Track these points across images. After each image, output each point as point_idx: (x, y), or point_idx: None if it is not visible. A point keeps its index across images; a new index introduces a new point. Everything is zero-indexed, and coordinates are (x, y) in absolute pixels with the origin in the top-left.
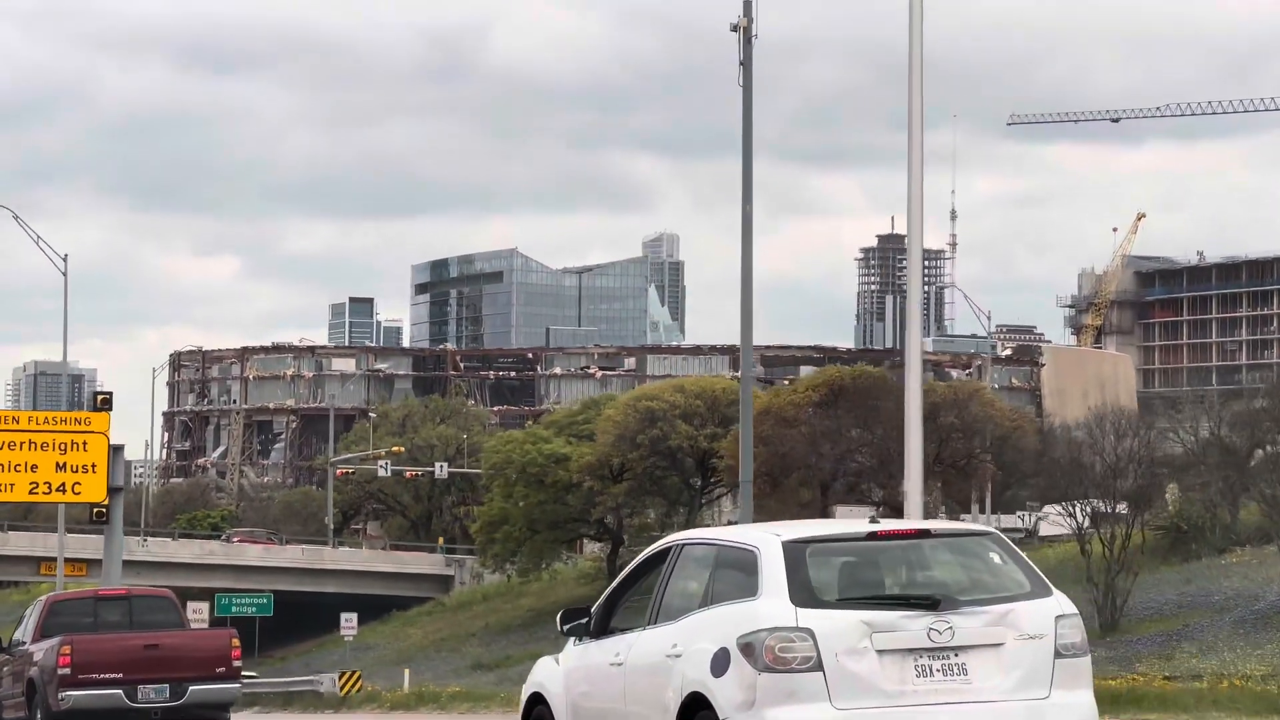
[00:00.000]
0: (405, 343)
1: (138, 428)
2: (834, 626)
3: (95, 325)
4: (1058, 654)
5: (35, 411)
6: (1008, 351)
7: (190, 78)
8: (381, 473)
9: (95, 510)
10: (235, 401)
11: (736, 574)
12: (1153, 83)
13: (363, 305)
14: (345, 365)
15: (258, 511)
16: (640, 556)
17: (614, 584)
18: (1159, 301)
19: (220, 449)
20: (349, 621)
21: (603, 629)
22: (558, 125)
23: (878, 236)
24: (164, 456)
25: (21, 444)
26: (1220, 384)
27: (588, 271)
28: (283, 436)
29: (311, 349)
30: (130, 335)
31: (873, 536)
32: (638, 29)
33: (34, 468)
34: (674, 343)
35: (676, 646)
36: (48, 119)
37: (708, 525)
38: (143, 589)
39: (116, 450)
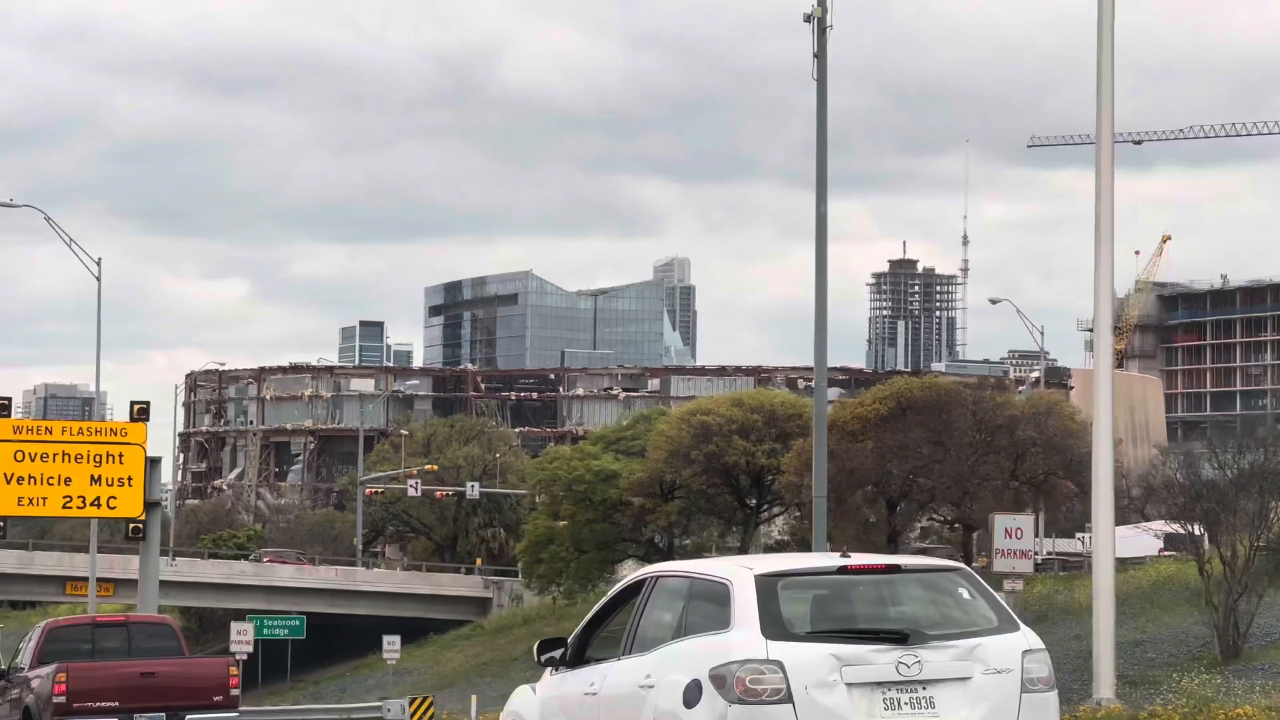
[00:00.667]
0: (417, 365)
1: (152, 448)
2: (804, 659)
3: (105, 349)
4: (1024, 688)
5: (69, 421)
6: (1036, 374)
7: (200, 101)
8: (411, 492)
9: (131, 526)
10: (252, 422)
11: (709, 606)
12: (1164, 110)
13: (373, 329)
14: (364, 385)
15: (283, 532)
16: (616, 588)
17: (590, 615)
18: (1182, 325)
19: (237, 470)
20: (392, 644)
21: (578, 659)
22: (568, 150)
23: (889, 262)
24: (179, 478)
25: (54, 456)
26: (1244, 409)
27: (603, 294)
28: (300, 458)
29: (330, 369)
30: (139, 358)
31: (844, 571)
32: (648, 54)
33: (67, 481)
34: (699, 364)
35: (650, 677)
36: (58, 142)
37: (765, 545)
38: (142, 616)
39: (154, 463)
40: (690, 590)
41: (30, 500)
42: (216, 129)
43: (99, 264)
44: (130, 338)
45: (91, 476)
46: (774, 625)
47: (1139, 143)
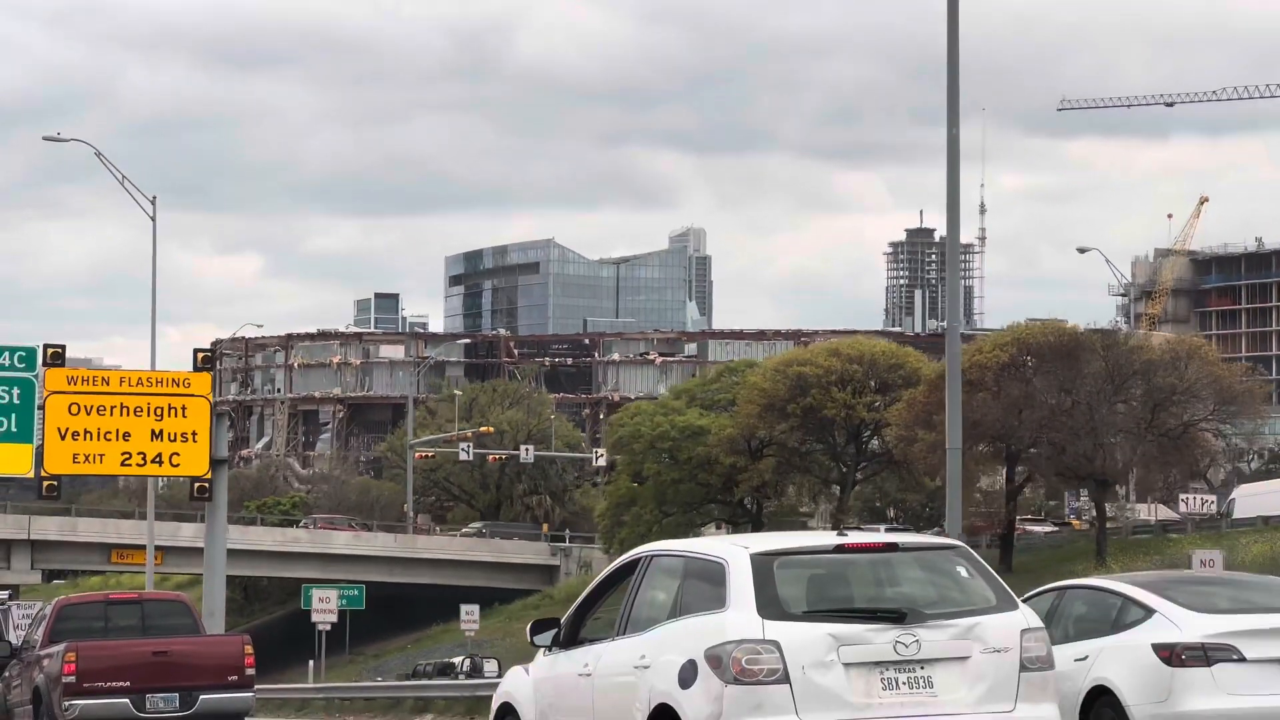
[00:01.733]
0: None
1: None
2: (801, 639)
3: (117, 324)
4: (1023, 667)
5: (128, 371)
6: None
7: (214, 76)
8: (463, 456)
9: (197, 485)
10: (280, 390)
11: (704, 586)
12: (1180, 79)
13: (388, 301)
14: (394, 352)
15: (328, 498)
16: (610, 567)
17: (583, 594)
18: (1216, 289)
19: (265, 439)
20: (470, 614)
21: (572, 639)
22: (582, 122)
23: (906, 231)
24: None
25: (112, 409)
26: None
27: (625, 262)
28: (329, 426)
29: (359, 335)
30: (147, 333)
31: (840, 550)
32: (662, 26)
33: (126, 436)
34: (738, 327)
35: (644, 658)
36: (72, 118)
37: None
38: (156, 594)
39: (220, 417)
40: (685, 569)
41: (86, 457)
42: (231, 104)
43: (154, 203)
44: (143, 313)
45: (152, 431)
46: (770, 605)
47: (1171, 104)
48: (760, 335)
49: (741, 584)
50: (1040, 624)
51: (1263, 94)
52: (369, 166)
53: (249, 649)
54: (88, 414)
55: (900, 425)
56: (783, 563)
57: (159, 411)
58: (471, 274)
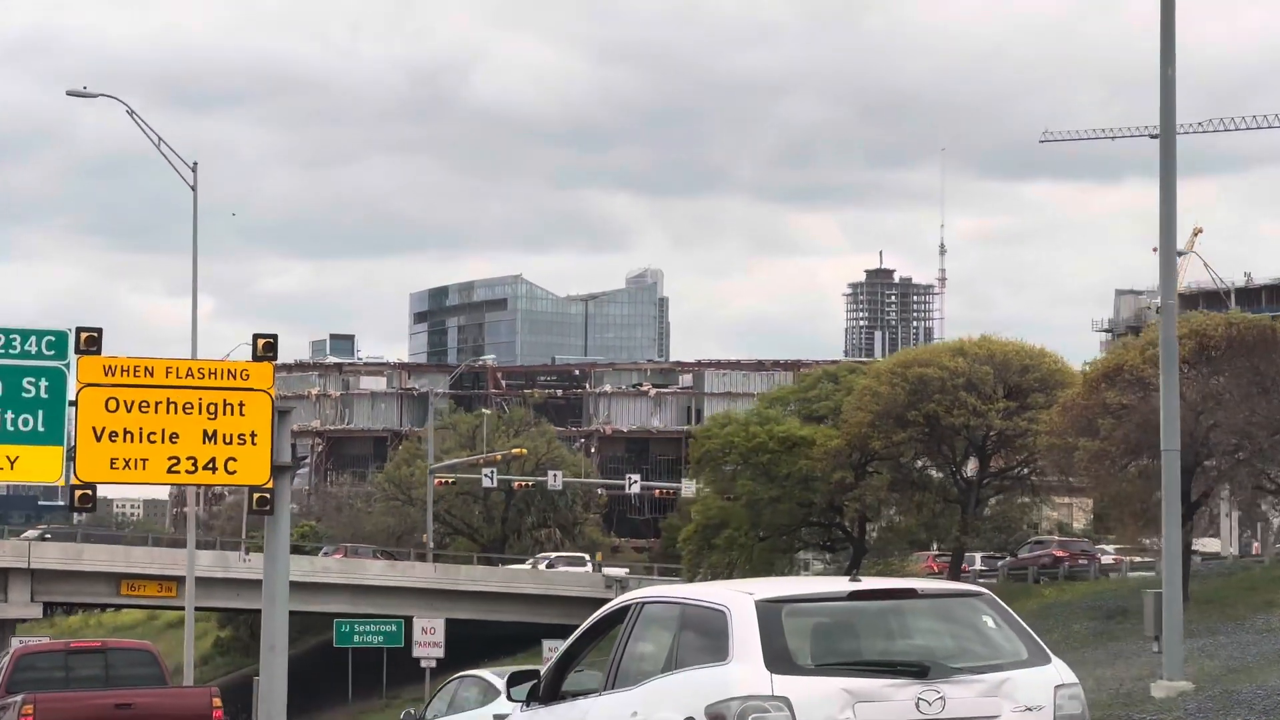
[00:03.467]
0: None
1: None
2: (813, 695)
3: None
4: None
5: (176, 360)
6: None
7: (167, 116)
8: (487, 482)
9: (256, 496)
10: None
11: (704, 636)
12: (1133, 119)
13: (344, 342)
14: (375, 384)
15: (345, 528)
16: (596, 615)
17: (566, 645)
18: None
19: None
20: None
21: (553, 693)
22: (537, 163)
23: (865, 271)
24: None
25: (157, 405)
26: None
27: (594, 299)
28: (308, 461)
29: (339, 365)
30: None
31: (854, 596)
32: (617, 66)
33: (173, 437)
34: (734, 357)
35: (636, 715)
36: (22, 158)
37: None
38: (120, 641)
39: (283, 415)
40: (682, 618)
41: (126, 463)
42: (184, 144)
43: (194, 170)
44: None
45: (205, 432)
46: (778, 657)
47: (1155, 136)
48: (759, 366)
49: (746, 634)
50: (1075, 679)
51: (1253, 125)
52: (321, 207)
53: (217, 700)
54: (128, 411)
55: (1054, 433)
56: (791, 611)
57: (212, 408)
58: (437, 310)
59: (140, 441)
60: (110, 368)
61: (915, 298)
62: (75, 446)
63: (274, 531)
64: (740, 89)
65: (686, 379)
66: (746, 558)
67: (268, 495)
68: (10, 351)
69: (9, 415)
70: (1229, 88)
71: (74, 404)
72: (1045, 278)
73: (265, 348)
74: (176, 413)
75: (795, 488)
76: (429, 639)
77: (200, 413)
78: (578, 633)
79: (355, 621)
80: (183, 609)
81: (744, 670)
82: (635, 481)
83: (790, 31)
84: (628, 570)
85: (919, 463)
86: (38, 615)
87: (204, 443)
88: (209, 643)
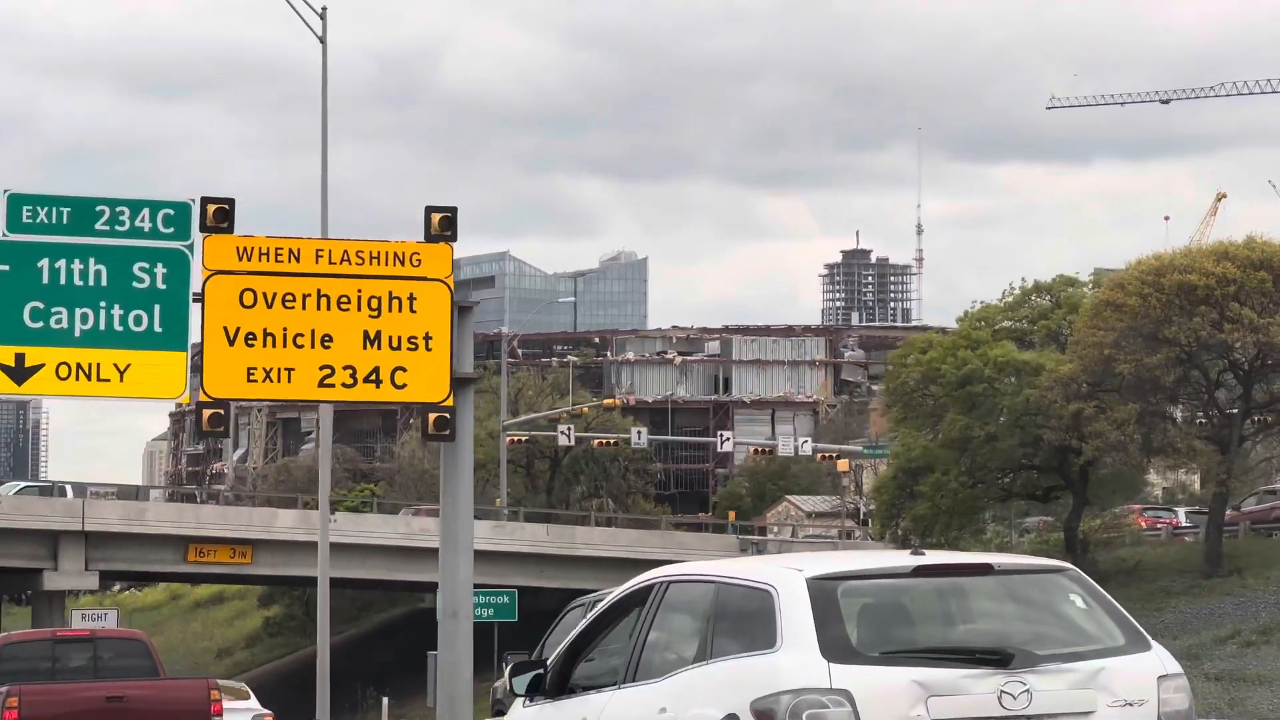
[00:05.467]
0: None
1: (148, 428)
2: (878, 688)
3: None
4: None
5: (329, 240)
6: None
7: (135, 103)
8: (563, 440)
9: (434, 417)
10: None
11: (745, 621)
12: (1091, 106)
13: None
14: None
15: (400, 490)
16: (612, 596)
17: (577, 630)
18: None
19: (240, 451)
20: None
21: (561, 686)
22: (508, 148)
23: (842, 252)
24: (172, 462)
25: (305, 298)
26: None
27: (582, 276)
28: (313, 436)
29: None
30: None
31: (920, 572)
32: (588, 51)
33: (326, 341)
34: (763, 323)
35: (665, 712)
36: None
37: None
38: (110, 630)
39: (463, 313)
40: (717, 600)
41: (268, 374)
42: (152, 131)
43: (323, 17)
44: None
45: (365, 334)
46: (836, 644)
47: (1166, 101)
48: (789, 331)
49: (797, 617)
50: (1179, 669)
51: (1259, 89)
52: (291, 194)
53: (215, 693)
54: (268, 306)
55: None
56: (848, 589)
57: (375, 304)
58: None
59: (285, 346)
60: (245, 250)
61: (892, 278)
62: (201, 353)
63: (453, 464)
64: (711, 73)
65: (713, 346)
66: (953, 506)
67: (447, 416)
68: (117, 229)
69: (116, 311)
70: (1196, 69)
71: (199, 298)
72: (1013, 262)
73: (442, 223)
74: (330, 308)
75: (1013, 423)
76: None
77: (360, 309)
78: (590, 616)
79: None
80: (257, 579)
81: (796, 659)
82: (728, 439)
83: (761, 15)
84: (774, 531)
85: (1178, 390)
86: (93, 585)
87: (365, 348)
88: (253, 623)
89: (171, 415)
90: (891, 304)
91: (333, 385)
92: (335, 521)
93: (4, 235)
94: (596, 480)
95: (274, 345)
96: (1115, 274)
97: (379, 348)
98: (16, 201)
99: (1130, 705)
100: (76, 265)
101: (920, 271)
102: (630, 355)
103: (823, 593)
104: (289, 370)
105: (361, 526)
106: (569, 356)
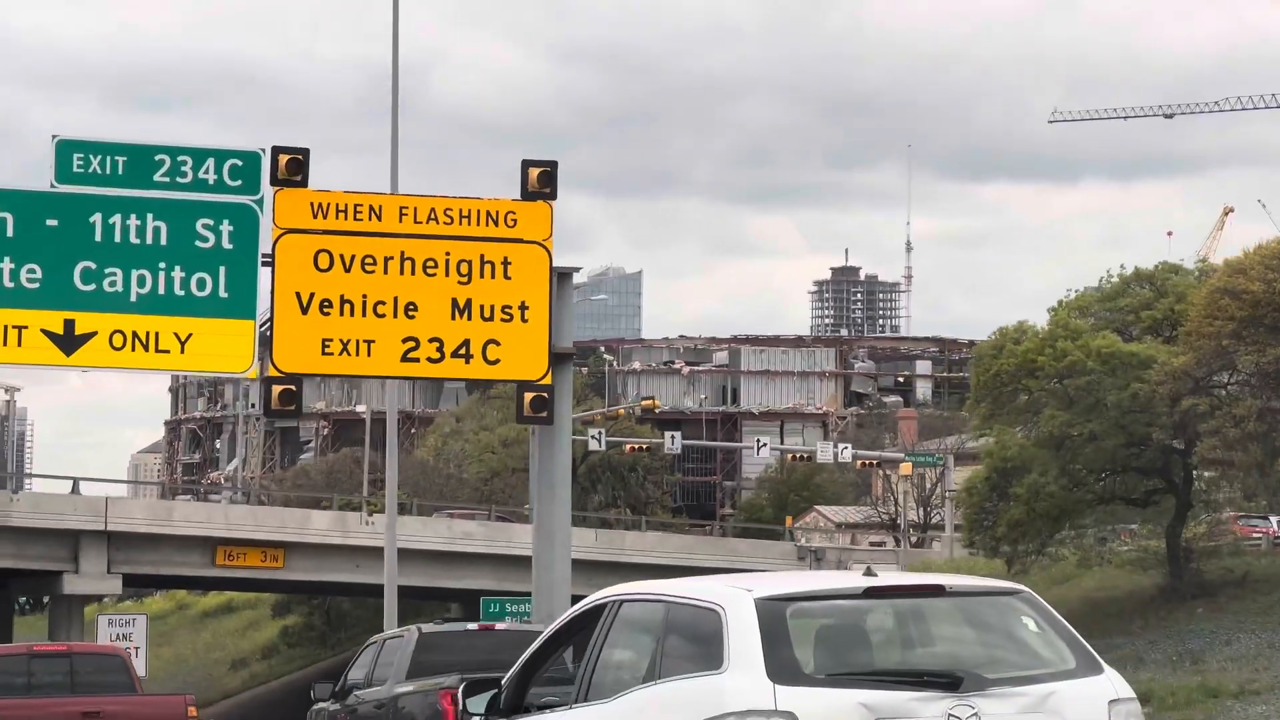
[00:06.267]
0: None
1: (139, 439)
2: (824, 710)
3: (22, 367)
4: None
5: (415, 197)
6: None
7: (123, 116)
8: (594, 445)
9: (531, 396)
10: (254, 406)
11: (694, 641)
12: (1092, 122)
13: None
14: None
15: (432, 492)
16: (565, 616)
17: (531, 649)
18: None
19: (236, 460)
20: None
21: (516, 706)
22: (495, 163)
23: (831, 269)
24: (167, 472)
25: (388, 261)
26: None
27: (578, 288)
28: (311, 445)
29: None
30: (58, 378)
31: (871, 593)
32: (577, 67)
33: (410, 310)
34: (772, 333)
35: None
36: None
37: None
38: (87, 646)
39: (562, 279)
40: (666, 619)
41: (345, 346)
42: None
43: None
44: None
45: (455, 303)
46: (783, 666)
47: (1170, 116)
48: (799, 342)
49: (744, 638)
50: (1132, 693)
51: (1267, 104)
52: None
53: (193, 710)
54: (346, 270)
55: None
56: (798, 610)
57: (465, 268)
58: None
59: (364, 315)
60: (321, 206)
61: (881, 295)
62: (271, 321)
63: (550, 450)
64: (699, 90)
65: (721, 357)
66: (1048, 511)
67: (545, 396)
68: (179, 180)
69: (177, 274)
70: (1186, 89)
71: (269, 260)
72: (999, 281)
73: (541, 179)
74: (415, 273)
75: (1118, 420)
76: None
77: (449, 274)
78: (544, 636)
79: (506, 600)
80: (289, 585)
81: (742, 680)
82: (764, 444)
83: (749, 32)
84: (833, 538)
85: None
86: (116, 590)
87: (453, 318)
88: (268, 633)
89: (167, 424)
90: (880, 321)
91: (417, 360)
92: (371, 524)
93: (52, 186)
94: (615, 490)
95: (352, 314)
96: (1234, 260)
97: (469, 318)
98: (66, 149)
99: None
100: (133, 221)
101: (909, 289)
102: (637, 365)
103: (771, 614)
104: (368, 343)
105: (401, 530)
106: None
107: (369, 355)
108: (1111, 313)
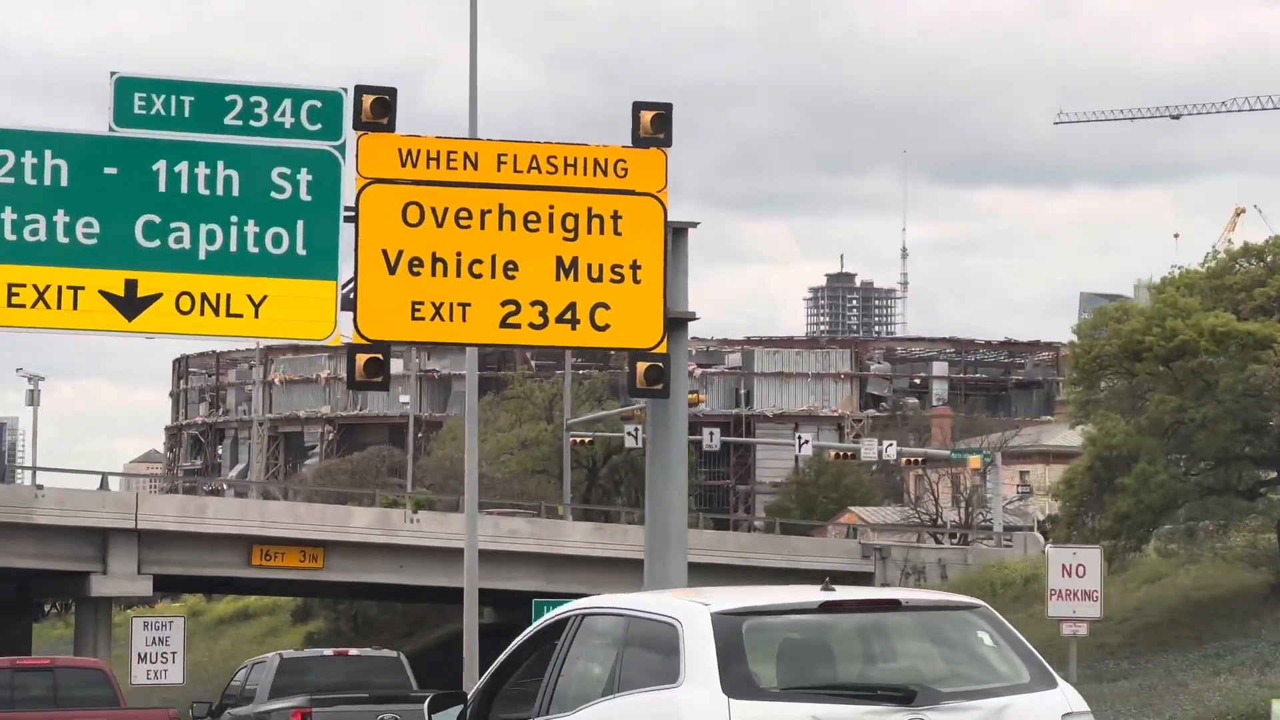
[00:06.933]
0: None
1: (139, 444)
2: None
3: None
4: None
5: (514, 143)
6: None
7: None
8: (630, 441)
9: (645, 367)
10: (257, 411)
11: (651, 654)
12: (1087, 130)
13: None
14: (391, 367)
15: (454, 491)
16: (531, 629)
17: (497, 663)
18: None
19: (240, 467)
20: None
21: (481, 719)
22: None
23: (826, 275)
24: (169, 480)
25: (485, 215)
26: None
27: None
28: (316, 450)
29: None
30: (47, 387)
31: (827, 608)
32: (571, 72)
33: (510, 269)
34: (788, 335)
35: None
36: None
37: None
38: (70, 660)
39: (679, 235)
40: (626, 633)
41: (437, 310)
42: None
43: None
44: (34, 368)
45: (559, 261)
46: (737, 679)
47: (1176, 117)
48: (813, 343)
49: (700, 652)
50: (1085, 707)
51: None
52: None
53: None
54: (438, 224)
55: None
56: (753, 625)
57: (571, 223)
58: None
59: (459, 275)
60: (410, 153)
61: (877, 302)
62: (355, 282)
63: (665, 426)
64: (692, 96)
65: (734, 358)
66: (1157, 503)
67: (660, 366)
68: (252, 124)
69: (251, 229)
70: (1180, 94)
71: (352, 213)
72: (992, 288)
73: (655, 123)
74: (515, 228)
75: (1232, 405)
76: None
77: (553, 229)
78: (510, 649)
79: (559, 603)
80: (329, 587)
81: (697, 695)
82: (806, 441)
83: (743, 39)
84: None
85: None
86: (146, 592)
87: (558, 279)
88: (290, 640)
89: (168, 429)
90: (876, 328)
91: (518, 326)
92: (416, 521)
93: (111, 130)
94: (639, 492)
95: (445, 274)
96: None
97: (575, 279)
98: (127, 87)
99: None
100: (201, 170)
101: (905, 295)
102: None
103: (727, 628)
104: (464, 306)
105: (446, 528)
106: (588, 368)
107: (464, 320)
108: (1219, 291)
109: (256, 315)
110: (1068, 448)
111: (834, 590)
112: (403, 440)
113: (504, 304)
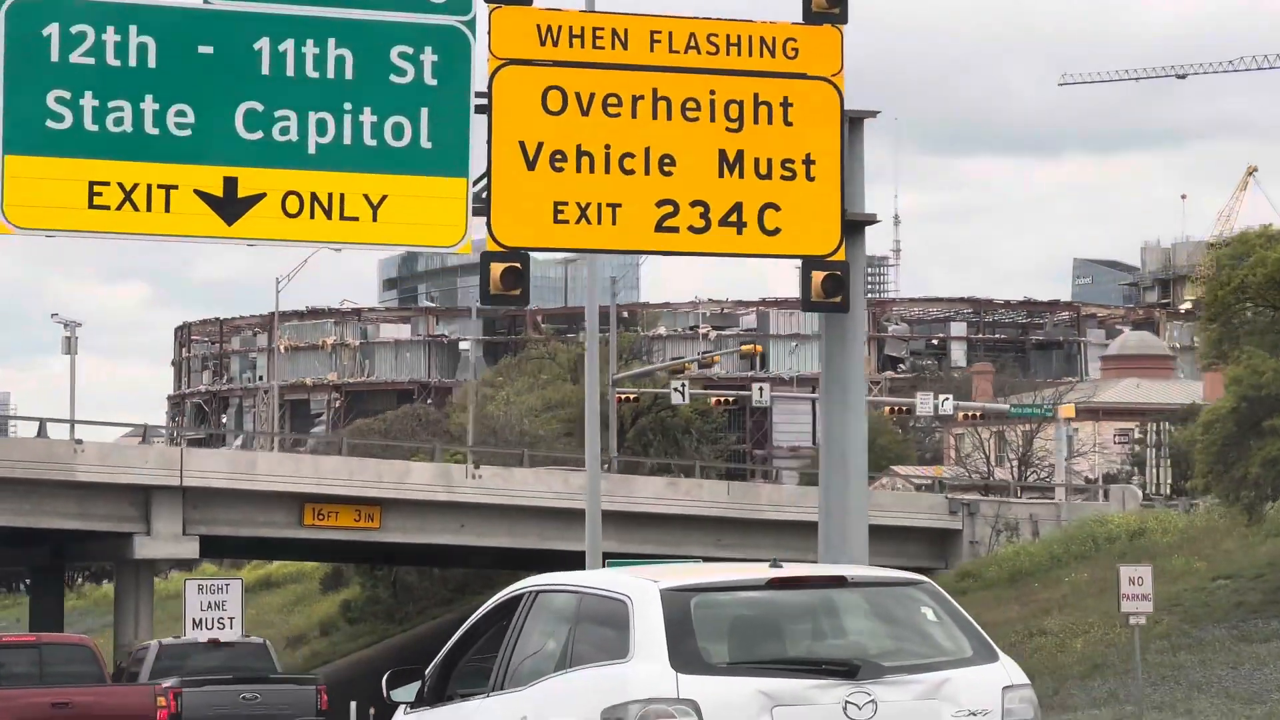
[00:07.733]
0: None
1: (142, 413)
2: (725, 697)
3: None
4: None
5: (670, 19)
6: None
7: None
8: (676, 399)
9: (821, 277)
10: (262, 378)
11: (602, 630)
12: (1076, 98)
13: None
14: (399, 332)
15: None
16: (485, 606)
17: (454, 638)
18: None
19: (242, 438)
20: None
21: (439, 694)
22: None
23: None
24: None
25: (636, 102)
26: None
27: (572, 262)
28: (323, 418)
29: (357, 312)
30: (35, 365)
31: (774, 584)
32: None
33: (666, 164)
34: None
35: (526, 719)
36: None
37: None
38: (55, 636)
39: (856, 125)
40: (578, 609)
41: (583, 212)
42: None
43: None
44: (26, 345)
45: (722, 156)
46: (685, 654)
47: (1183, 76)
48: None
49: (649, 628)
50: (1025, 680)
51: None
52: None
53: (162, 699)
54: (583, 113)
55: None
56: (702, 601)
57: (734, 111)
58: (407, 277)
59: (607, 171)
60: (551, 29)
61: (870, 270)
62: (488, 179)
63: (843, 344)
64: None
65: (749, 320)
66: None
67: (839, 275)
68: None
69: (368, 118)
70: (1176, 60)
71: (484, 100)
72: (983, 257)
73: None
74: (671, 117)
75: None
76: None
77: (715, 118)
78: (465, 625)
79: (632, 563)
80: (385, 548)
81: (646, 669)
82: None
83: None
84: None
85: None
86: (193, 554)
87: (721, 175)
88: (323, 608)
89: (170, 399)
90: (869, 296)
91: (675, 230)
92: (479, 477)
93: (206, 2)
94: (668, 452)
95: (592, 170)
96: None
97: (740, 175)
98: None
99: (974, 715)
100: (310, 49)
101: (898, 263)
102: (661, 330)
103: (676, 604)
104: (614, 207)
105: (510, 484)
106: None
107: (614, 224)
108: None
109: (375, 218)
110: (1120, 403)
111: (781, 567)
112: (410, 404)
113: (659, 204)
